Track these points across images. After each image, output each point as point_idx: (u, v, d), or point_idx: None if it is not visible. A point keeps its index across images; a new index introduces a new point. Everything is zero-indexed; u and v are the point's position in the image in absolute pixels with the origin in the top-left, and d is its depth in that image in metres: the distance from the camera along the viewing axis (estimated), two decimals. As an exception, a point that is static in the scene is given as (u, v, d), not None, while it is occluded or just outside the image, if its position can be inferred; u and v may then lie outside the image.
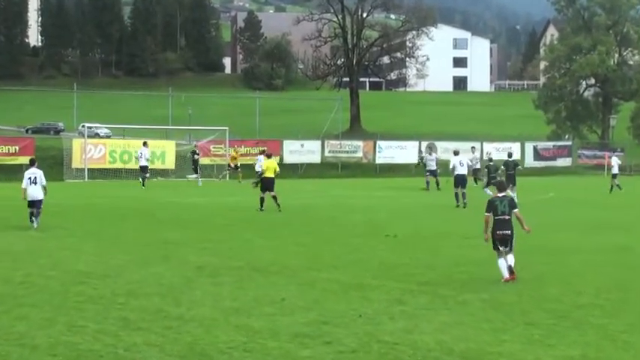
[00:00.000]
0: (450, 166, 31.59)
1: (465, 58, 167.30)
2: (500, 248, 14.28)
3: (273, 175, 27.66)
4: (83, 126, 54.14)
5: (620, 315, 11.21)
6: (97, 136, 63.82)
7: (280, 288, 12.64)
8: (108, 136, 64.83)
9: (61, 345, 9.20)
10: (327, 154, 56.83)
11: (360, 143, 59.12)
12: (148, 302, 11.40)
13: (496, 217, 14.39)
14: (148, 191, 37.50)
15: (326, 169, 55.59)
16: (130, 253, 16.50)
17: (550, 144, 67.95)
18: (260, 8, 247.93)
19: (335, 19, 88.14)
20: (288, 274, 14.14)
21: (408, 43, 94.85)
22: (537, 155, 64.48)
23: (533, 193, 38.00)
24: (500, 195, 14.81)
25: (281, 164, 51.52)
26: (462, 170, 30.60)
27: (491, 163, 36.33)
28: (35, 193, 22.01)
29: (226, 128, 52.28)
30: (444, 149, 60.24)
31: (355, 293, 12.25)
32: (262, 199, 27.23)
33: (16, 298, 11.72)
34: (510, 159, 34.10)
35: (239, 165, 47.67)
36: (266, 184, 27.55)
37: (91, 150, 49.31)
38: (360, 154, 58.35)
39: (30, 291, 12.27)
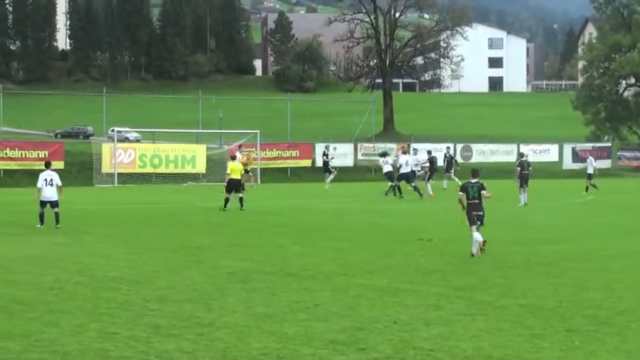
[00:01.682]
0: (398, 164, 36.63)
1: (501, 58, 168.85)
2: (474, 225, 17.57)
3: (239, 177, 29.88)
4: (112, 130, 54.46)
5: (668, 321, 10.91)
6: (126, 140, 64.50)
7: (314, 294, 12.64)
8: (137, 140, 65.40)
9: (92, 352, 9.24)
10: (360, 157, 56.56)
11: (394, 146, 58.62)
12: (179, 308, 11.46)
13: (469, 201, 17.74)
14: (179, 196, 37.78)
15: (359, 172, 55.37)
16: (161, 259, 16.59)
17: (589, 145, 67.46)
18: (291, 9, 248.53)
19: (367, 19, 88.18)
20: (321, 279, 14.13)
21: (442, 43, 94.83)
22: (576, 157, 63.90)
23: (572, 195, 37.77)
24: (472, 181, 17.93)
25: (313, 168, 51.92)
26: (407, 169, 35.29)
27: (433, 156, 40.22)
28: (51, 193, 23.00)
29: (257, 131, 52.77)
30: (479, 152, 60.33)
31: (390, 299, 12.21)
32: (227, 200, 29.04)
33: (46, 304, 11.78)
34: (524, 158, 34.86)
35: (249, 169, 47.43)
36: (232, 186, 29.47)
37: (121, 154, 49.55)
38: (394, 157, 57.95)
39: (60, 297, 12.33)
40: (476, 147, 61.46)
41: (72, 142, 60.05)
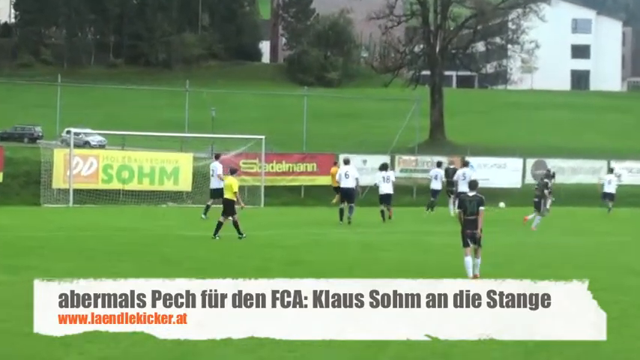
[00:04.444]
0: (374, 183, 43.17)
1: (588, 46, 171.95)
2: (470, 245, 20.81)
3: (230, 196, 31.02)
4: (68, 132, 55.16)
5: None
6: (86, 145, 67.20)
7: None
8: (102, 146, 67.33)
9: None
10: (398, 173, 55.77)
11: (444, 159, 59.07)
12: None
13: (465, 217, 21.01)
14: (155, 221, 38.84)
15: (396, 193, 55.00)
16: None
17: None
18: None
19: None
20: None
21: (510, 24, 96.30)
22: None
23: None
24: (470, 194, 21.42)
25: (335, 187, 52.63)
26: (387, 189, 41.10)
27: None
28: None
29: (262, 137, 53.39)
30: (557, 169, 60.13)
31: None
32: (219, 225, 30.66)
33: None
34: None
35: None
36: (224, 207, 31.23)
37: (79, 164, 49.62)
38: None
39: None
40: (552, 163, 61.37)
41: (14, 146, 60.76)
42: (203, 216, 40.03)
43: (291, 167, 54.94)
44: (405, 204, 52.00)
